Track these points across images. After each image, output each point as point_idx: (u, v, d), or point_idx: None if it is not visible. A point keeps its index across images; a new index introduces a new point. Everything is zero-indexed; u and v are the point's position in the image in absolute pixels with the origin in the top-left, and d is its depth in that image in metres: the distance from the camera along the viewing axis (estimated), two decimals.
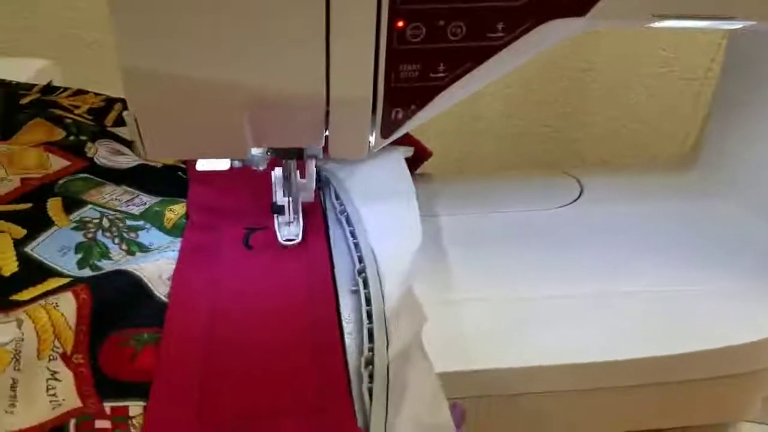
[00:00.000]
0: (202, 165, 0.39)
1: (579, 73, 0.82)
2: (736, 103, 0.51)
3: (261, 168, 0.39)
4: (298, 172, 0.41)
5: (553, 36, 0.33)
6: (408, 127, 0.35)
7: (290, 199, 0.42)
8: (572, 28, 0.34)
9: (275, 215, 0.43)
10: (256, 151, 0.39)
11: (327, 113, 0.33)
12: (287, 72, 0.31)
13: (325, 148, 0.35)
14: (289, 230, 0.43)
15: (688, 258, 0.45)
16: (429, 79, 0.33)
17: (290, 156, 0.40)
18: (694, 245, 0.47)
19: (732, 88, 0.52)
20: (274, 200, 0.43)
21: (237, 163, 0.39)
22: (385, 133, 0.35)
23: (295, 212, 0.43)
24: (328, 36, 0.30)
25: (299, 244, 0.42)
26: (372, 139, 0.36)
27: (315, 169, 0.42)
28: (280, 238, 0.42)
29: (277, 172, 0.43)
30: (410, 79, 0.33)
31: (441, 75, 0.33)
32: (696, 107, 0.82)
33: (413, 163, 0.54)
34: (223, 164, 0.39)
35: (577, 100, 0.84)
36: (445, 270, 0.44)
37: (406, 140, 0.52)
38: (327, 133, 0.35)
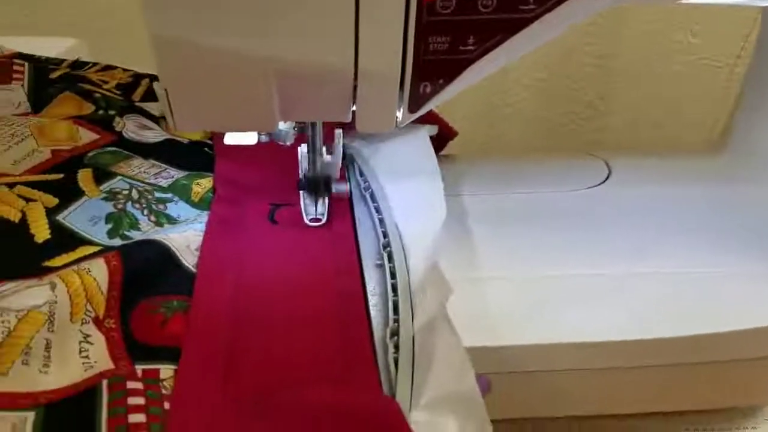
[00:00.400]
0: (230, 139, 0.40)
1: (605, 60, 0.82)
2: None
3: (288, 143, 0.40)
4: (324, 148, 0.42)
5: (585, 8, 0.33)
6: (435, 102, 0.35)
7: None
8: (605, 1, 0.34)
9: (301, 192, 0.43)
10: (283, 126, 0.39)
11: (355, 88, 0.33)
12: (315, 43, 0.31)
13: (352, 124, 0.35)
14: (314, 209, 0.43)
15: (716, 240, 0.45)
16: (458, 52, 0.32)
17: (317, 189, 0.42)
18: (723, 228, 0.46)
19: (765, 69, 0.51)
20: (300, 176, 0.43)
21: (264, 138, 0.39)
22: (412, 107, 0.35)
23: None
24: (358, 7, 0.30)
25: (325, 220, 0.42)
26: (399, 114, 0.35)
27: (342, 146, 0.43)
28: (305, 218, 0.42)
29: (304, 148, 0.43)
30: (439, 51, 0.32)
31: (471, 48, 0.32)
32: (725, 96, 0.81)
33: (439, 143, 0.53)
34: (250, 138, 0.39)
35: (602, 86, 0.84)
36: (470, 248, 0.44)
37: (432, 118, 0.52)
38: (354, 107, 0.35)
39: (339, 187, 0.43)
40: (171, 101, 0.32)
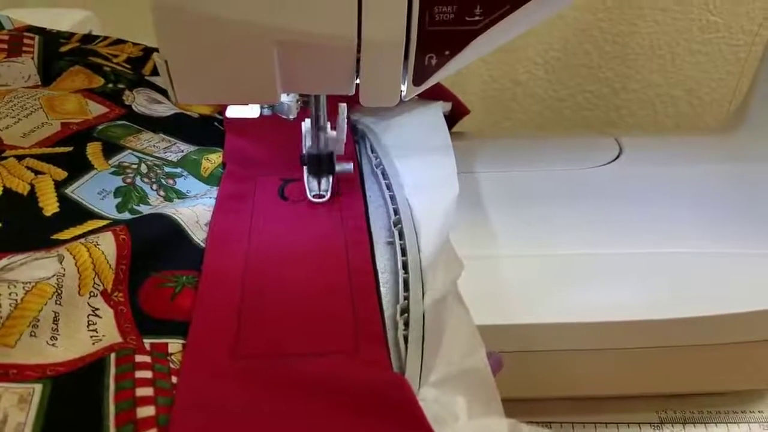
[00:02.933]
0: (232, 112, 0.39)
1: (622, 38, 0.80)
2: None
3: (291, 117, 0.39)
4: (328, 123, 0.41)
5: None
6: (441, 75, 0.34)
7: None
8: None
9: (304, 167, 0.42)
10: (286, 99, 0.38)
11: (358, 60, 0.32)
12: (318, 12, 0.30)
13: (356, 97, 0.34)
14: (317, 185, 0.42)
15: (730, 219, 0.44)
16: (465, 23, 0.31)
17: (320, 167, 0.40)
18: (735, 207, 0.45)
19: None
20: (303, 152, 0.42)
21: (267, 111, 0.39)
22: (417, 80, 0.34)
23: None
24: None
25: (335, 196, 0.41)
26: (404, 87, 0.34)
27: (345, 122, 0.42)
28: (308, 193, 0.41)
29: (307, 123, 0.42)
30: (445, 22, 0.31)
31: (477, 18, 0.31)
32: (743, 75, 0.79)
33: (451, 120, 0.53)
34: (253, 111, 0.39)
35: (619, 65, 0.82)
36: (482, 226, 0.43)
37: (445, 95, 0.51)
38: (358, 80, 0.34)
39: (344, 167, 0.41)
40: (171, 73, 0.31)
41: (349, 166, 0.42)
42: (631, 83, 0.84)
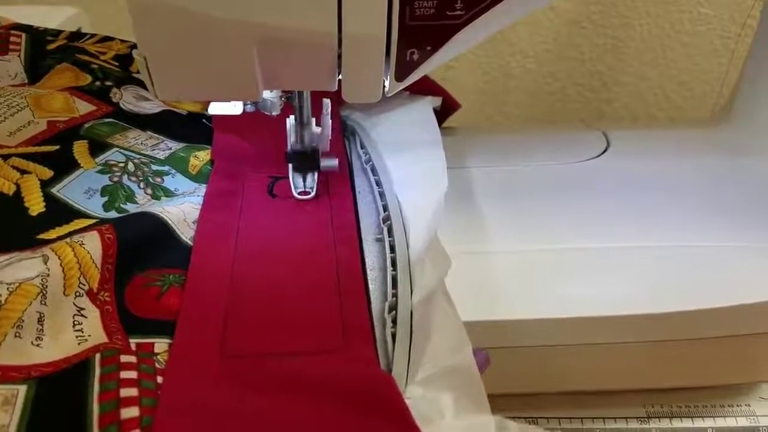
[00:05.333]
0: (214, 108, 0.39)
1: (614, 30, 0.80)
2: None
3: (274, 113, 0.38)
4: (314, 119, 0.41)
5: None
6: (424, 70, 0.34)
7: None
8: None
9: (289, 165, 0.42)
10: (268, 96, 0.38)
11: (339, 56, 0.32)
12: (298, 7, 0.29)
13: (339, 93, 0.34)
14: (302, 182, 0.42)
15: (717, 212, 0.44)
16: (445, 18, 0.31)
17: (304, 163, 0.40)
18: (723, 200, 0.45)
19: None
20: (288, 149, 0.42)
21: (250, 108, 0.38)
22: (399, 75, 0.33)
23: None
24: None
25: (324, 193, 0.41)
26: (386, 83, 0.34)
27: (330, 118, 0.41)
28: (294, 191, 0.41)
29: (291, 119, 0.42)
30: (426, 16, 0.31)
31: (458, 12, 0.31)
32: (732, 67, 0.80)
33: (442, 115, 0.53)
34: (235, 108, 0.38)
35: (610, 57, 0.82)
36: (474, 221, 0.43)
37: (436, 90, 0.51)
38: (340, 77, 0.34)
39: (329, 162, 0.41)
40: (150, 69, 0.31)
41: (335, 162, 0.42)
42: (623, 76, 0.84)
